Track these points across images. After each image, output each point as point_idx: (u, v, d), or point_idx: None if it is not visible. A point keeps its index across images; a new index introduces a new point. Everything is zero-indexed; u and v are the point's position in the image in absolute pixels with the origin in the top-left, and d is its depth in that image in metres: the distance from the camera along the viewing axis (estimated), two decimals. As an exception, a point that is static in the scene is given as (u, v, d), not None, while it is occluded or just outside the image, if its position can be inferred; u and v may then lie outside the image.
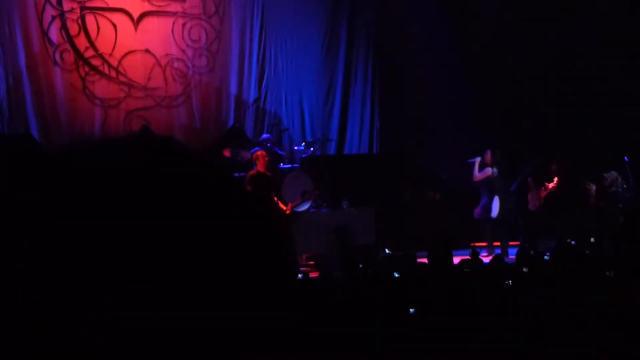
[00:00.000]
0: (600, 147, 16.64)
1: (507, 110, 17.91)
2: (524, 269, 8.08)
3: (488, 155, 15.49)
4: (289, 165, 16.85)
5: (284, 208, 14.00)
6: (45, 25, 16.54)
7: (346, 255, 12.63)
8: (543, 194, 15.38)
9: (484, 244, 15.48)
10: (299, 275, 9.21)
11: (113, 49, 17.01)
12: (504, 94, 18.15)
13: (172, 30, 17.52)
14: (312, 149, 17.25)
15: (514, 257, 9.35)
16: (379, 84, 19.29)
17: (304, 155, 17.19)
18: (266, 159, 14.12)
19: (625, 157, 15.77)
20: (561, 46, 18.08)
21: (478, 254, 10.53)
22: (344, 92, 19.13)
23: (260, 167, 13.94)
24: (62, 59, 16.66)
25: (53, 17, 16.58)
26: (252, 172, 13.96)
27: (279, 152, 17.01)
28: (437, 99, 18.23)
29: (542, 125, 17.90)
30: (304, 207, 15.02)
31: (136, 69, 17.20)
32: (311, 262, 14.01)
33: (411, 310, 6.88)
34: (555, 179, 15.37)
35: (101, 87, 16.98)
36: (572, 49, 17.90)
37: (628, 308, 6.04)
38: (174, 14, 17.58)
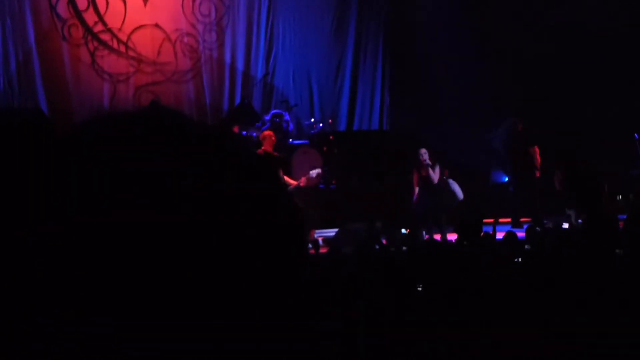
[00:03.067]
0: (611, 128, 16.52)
1: (518, 88, 17.82)
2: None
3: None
4: (298, 142, 16.83)
5: (294, 183, 13.97)
6: (54, 0, 16.51)
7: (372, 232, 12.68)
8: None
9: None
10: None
11: (122, 24, 16.99)
12: (517, 73, 18.04)
13: (182, 5, 17.48)
14: (320, 125, 17.21)
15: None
16: (389, 60, 19.20)
17: (312, 131, 17.16)
18: (273, 139, 14.09)
19: (636, 135, 15.72)
20: (576, 26, 17.95)
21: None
22: (353, 69, 19.07)
23: (267, 146, 13.90)
24: (70, 33, 16.65)
25: (61, -8, 16.57)
26: (259, 152, 13.94)
27: (289, 128, 16.99)
28: (448, 75, 18.14)
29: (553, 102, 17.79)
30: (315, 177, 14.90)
31: (145, 43, 17.18)
32: (321, 238, 14.00)
33: (419, 287, 6.88)
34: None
35: (110, 62, 16.98)
36: (584, 29, 17.79)
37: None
38: (183, -12, 17.53)
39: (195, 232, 0.93)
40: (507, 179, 15.69)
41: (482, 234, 8.82)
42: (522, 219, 15.08)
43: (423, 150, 14.79)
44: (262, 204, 1.00)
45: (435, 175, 14.72)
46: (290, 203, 1.05)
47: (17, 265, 0.91)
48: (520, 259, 7.85)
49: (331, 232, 14.10)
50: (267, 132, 14.28)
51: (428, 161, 14.71)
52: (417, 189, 14.89)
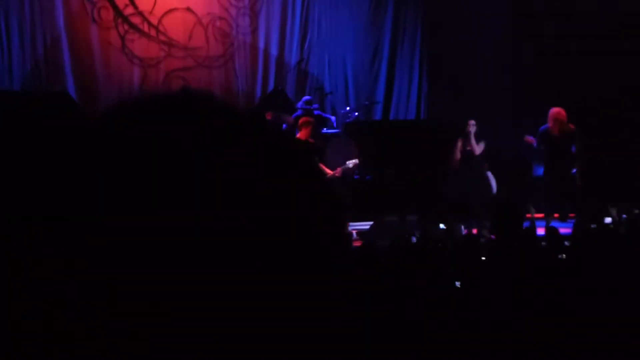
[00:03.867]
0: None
1: (561, 76, 17.64)
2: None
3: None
4: (332, 130, 16.78)
5: (330, 173, 13.90)
6: (84, -18, 16.55)
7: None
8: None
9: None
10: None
11: (153, 7, 16.97)
12: (563, 62, 17.87)
13: (215, -12, 17.45)
14: (356, 113, 17.15)
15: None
16: (428, 46, 19.05)
17: (347, 120, 17.09)
18: (311, 127, 13.95)
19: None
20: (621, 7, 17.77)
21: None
22: (390, 55, 18.95)
23: (303, 134, 13.72)
24: (100, 16, 16.66)
25: (92, -26, 16.58)
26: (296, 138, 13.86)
27: (324, 115, 16.94)
28: (491, 63, 18.00)
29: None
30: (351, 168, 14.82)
31: (177, 27, 17.15)
32: (354, 231, 13.95)
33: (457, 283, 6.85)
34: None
35: (140, 46, 16.97)
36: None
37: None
38: (216, -29, 17.49)
39: (235, 220, 0.91)
40: (544, 171, 15.53)
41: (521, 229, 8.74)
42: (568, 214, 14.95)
43: (472, 122, 14.70)
44: (303, 192, 0.98)
45: (478, 148, 14.62)
46: (331, 192, 1.04)
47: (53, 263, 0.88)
48: (564, 256, 7.77)
49: (365, 225, 14.05)
50: (306, 119, 14.16)
51: (474, 132, 14.63)
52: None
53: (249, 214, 0.89)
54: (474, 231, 13.15)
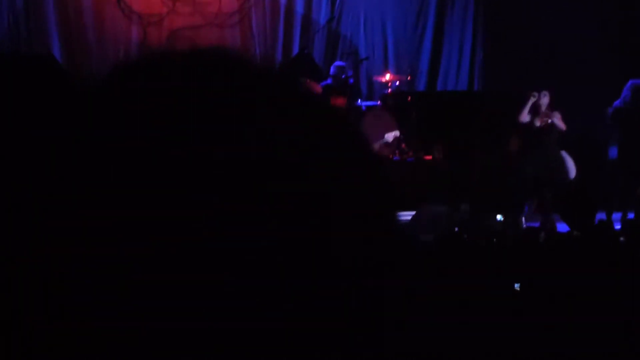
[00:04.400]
0: None
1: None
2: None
3: None
4: (369, 103, 16.80)
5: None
6: None
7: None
8: None
9: None
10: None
11: (155, -48, 17.03)
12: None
13: None
14: (397, 83, 17.15)
15: None
16: (483, 5, 18.99)
17: (386, 91, 17.09)
18: (345, 98, 14.00)
19: None
20: None
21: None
22: (438, 16, 18.91)
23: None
24: (91, -37, 16.72)
25: None
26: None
27: (357, 84, 16.98)
28: (556, 27, 17.93)
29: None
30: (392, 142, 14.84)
31: (183, -23, 17.20)
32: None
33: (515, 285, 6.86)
34: None
35: (140, 0, 17.01)
36: None
37: None
38: None
39: (265, 197, 0.91)
40: (617, 153, 15.51)
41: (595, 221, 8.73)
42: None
43: (544, 92, 14.70)
44: (348, 166, 0.98)
45: (558, 121, 14.63)
46: (382, 166, 1.04)
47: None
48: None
49: (406, 215, 14.07)
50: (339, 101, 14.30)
51: (547, 104, 14.65)
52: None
53: (282, 187, 0.91)
54: (539, 224, 13.14)
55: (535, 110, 14.72)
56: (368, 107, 16.50)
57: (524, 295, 6.68)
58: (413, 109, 16.53)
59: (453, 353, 5.47)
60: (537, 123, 14.65)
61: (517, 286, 6.86)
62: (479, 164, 15.55)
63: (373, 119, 15.81)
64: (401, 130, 15.66)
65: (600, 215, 11.60)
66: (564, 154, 14.81)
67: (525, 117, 14.75)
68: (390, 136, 14.07)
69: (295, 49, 17.82)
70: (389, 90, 17.05)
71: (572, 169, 14.79)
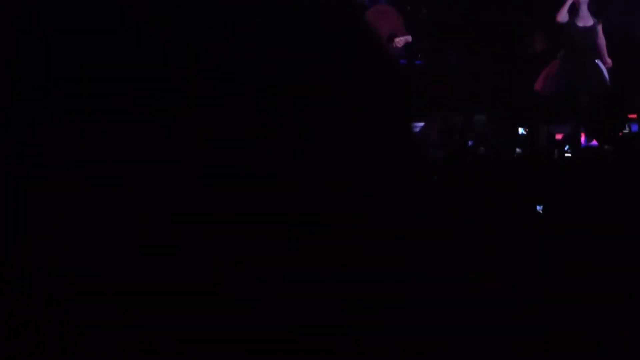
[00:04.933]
0: None
1: None
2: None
3: None
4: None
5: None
6: None
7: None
8: None
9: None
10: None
11: None
12: None
13: None
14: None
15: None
16: None
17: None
18: None
19: None
20: None
21: None
22: None
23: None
24: None
25: None
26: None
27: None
28: None
29: None
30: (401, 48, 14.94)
31: None
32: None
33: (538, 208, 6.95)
34: None
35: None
36: None
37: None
38: None
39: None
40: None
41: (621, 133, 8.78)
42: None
43: None
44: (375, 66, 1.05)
45: (596, 28, 14.82)
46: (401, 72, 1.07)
47: None
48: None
49: (415, 126, 14.16)
50: None
51: (587, 2, 14.77)
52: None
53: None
54: (559, 136, 13.05)
55: (574, 10, 14.88)
56: (371, 1, 16.42)
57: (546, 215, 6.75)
58: (423, 4, 16.52)
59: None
60: (580, 23, 14.83)
61: (539, 209, 7.13)
62: (496, 67, 15.58)
63: (377, 17, 15.76)
64: (409, 28, 15.53)
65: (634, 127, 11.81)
66: (598, 62, 14.96)
67: (564, 16, 14.89)
68: (401, 41, 14.09)
69: None
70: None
71: (606, 75, 14.91)
